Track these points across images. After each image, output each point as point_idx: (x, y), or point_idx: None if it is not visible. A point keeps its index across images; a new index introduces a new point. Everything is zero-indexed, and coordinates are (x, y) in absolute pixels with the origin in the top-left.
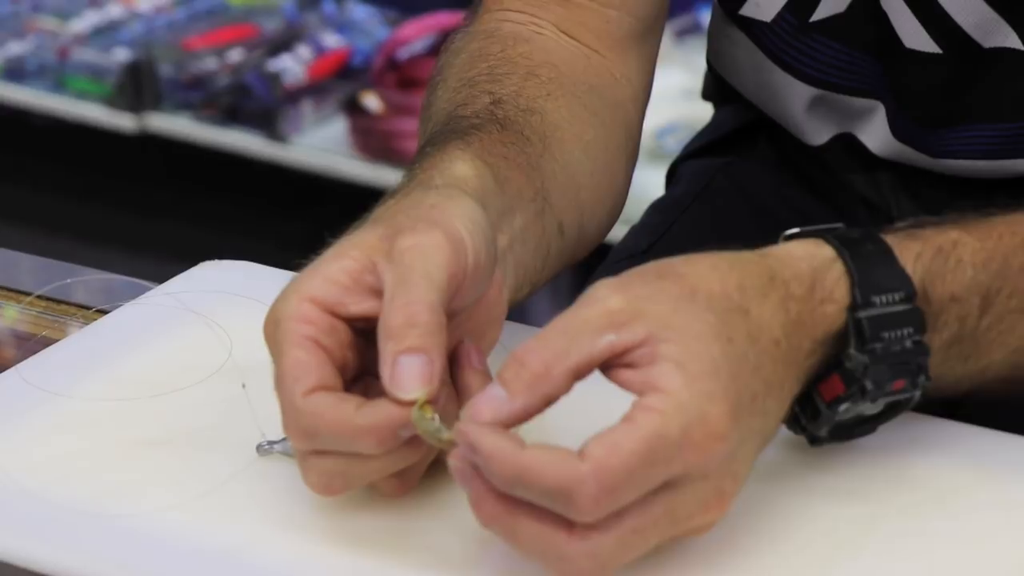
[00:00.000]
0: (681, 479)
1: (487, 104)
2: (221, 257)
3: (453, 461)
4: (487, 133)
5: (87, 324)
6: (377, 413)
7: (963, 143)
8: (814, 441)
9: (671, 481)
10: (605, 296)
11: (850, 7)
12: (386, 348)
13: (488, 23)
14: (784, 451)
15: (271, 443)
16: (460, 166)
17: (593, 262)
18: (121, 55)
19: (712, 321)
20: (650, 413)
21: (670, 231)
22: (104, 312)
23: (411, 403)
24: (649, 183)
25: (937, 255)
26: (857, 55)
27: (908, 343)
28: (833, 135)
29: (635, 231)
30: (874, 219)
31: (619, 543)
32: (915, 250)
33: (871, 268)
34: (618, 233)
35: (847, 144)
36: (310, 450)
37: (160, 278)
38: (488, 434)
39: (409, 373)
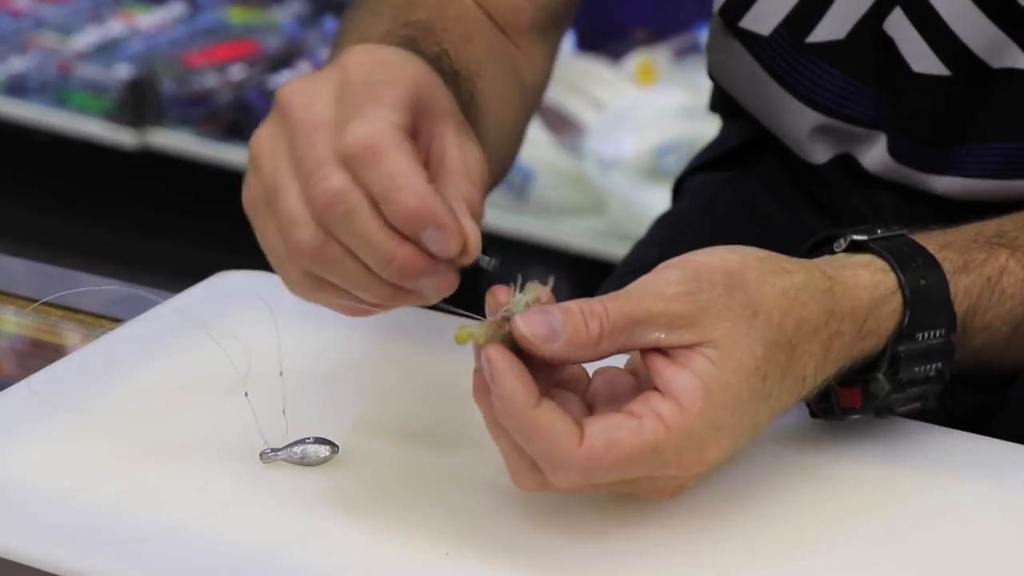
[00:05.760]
0: (655, 476)
1: (436, 52)
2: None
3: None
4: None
5: (92, 332)
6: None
7: (967, 162)
8: (814, 416)
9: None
10: (672, 296)
11: (850, 34)
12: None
13: None
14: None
15: (274, 451)
16: None
17: (598, 277)
18: (122, 71)
19: (758, 354)
20: (658, 424)
21: (677, 244)
22: (116, 321)
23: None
24: (649, 201)
25: (984, 288)
26: (858, 84)
27: (932, 372)
28: (834, 155)
29: (641, 244)
30: None
31: (572, 490)
32: (965, 283)
33: (924, 304)
34: (622, 249)
35: (846, 164)
36: (352, 179)
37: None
38: (511, 376)
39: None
